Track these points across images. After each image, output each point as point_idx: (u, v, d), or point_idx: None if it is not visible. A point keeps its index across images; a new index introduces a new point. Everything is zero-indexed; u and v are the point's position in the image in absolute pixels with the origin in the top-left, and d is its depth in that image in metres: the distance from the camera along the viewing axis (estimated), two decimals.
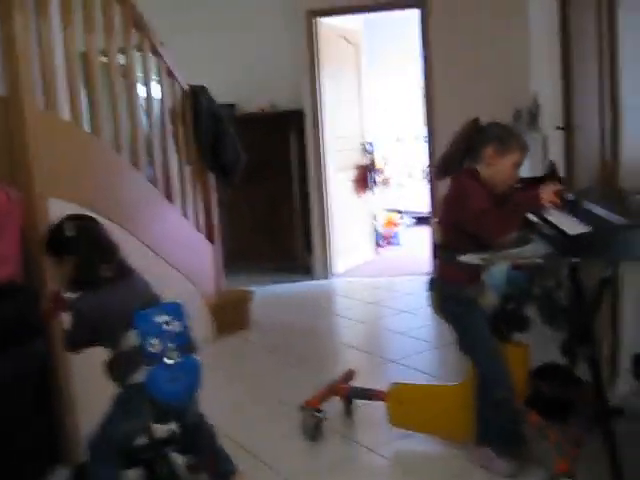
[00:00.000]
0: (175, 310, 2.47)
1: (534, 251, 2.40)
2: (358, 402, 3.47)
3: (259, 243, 7.18)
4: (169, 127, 4.82)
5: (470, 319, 2.84)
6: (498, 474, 2.77)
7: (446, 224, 2.87)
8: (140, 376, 2.38)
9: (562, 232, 2.28)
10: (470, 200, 2.67)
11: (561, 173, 4.30)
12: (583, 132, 4.13)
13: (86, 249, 2.44)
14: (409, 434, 3.18)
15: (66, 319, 2.59)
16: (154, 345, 2.36)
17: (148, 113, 4.55)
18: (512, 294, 2.84)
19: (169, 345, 2.40)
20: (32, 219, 2.97)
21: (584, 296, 2.92)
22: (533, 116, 5.64)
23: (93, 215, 3.17)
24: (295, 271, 7.12)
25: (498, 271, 2.77)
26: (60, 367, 3.05)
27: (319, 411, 3.27)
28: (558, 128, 4.55)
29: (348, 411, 3.48)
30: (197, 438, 2.71)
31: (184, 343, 2.46)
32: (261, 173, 6.70)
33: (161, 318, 2.41)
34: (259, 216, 7.16)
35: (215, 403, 3.68)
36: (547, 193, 2.52)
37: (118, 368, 2.44)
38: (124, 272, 2.51)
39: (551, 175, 3.53)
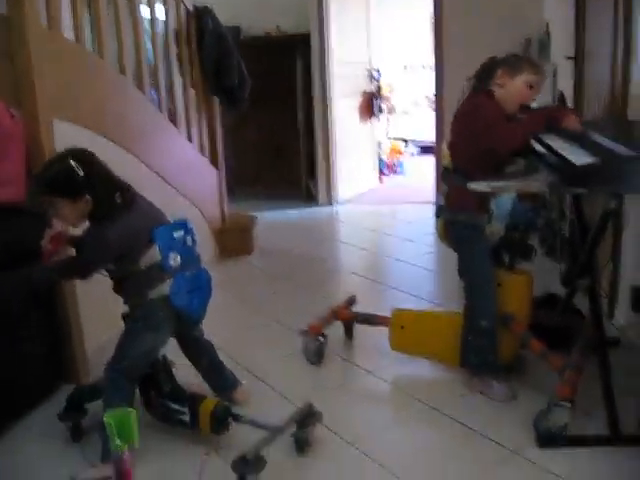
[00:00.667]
0: (186, 225, 2.57)
1: (541, 180, 2.39)
2: (358, 328, 3.52)
3: (263, 169, 7.17)
4: (173, 49, 4.75)
5: (474, 246, 2.88)
6: (496, 399, 2.84)
7: (456, 145, 2.85)
8: (161, 290, 2.46)
9: (569, 162, 2.27)
10: (484, 110, 2.71)
11: (570, 104, 4.27)
12: (593, 62, 4.07)
13: (101, 184, 2.41)
14: (409, 360, 3.24)
15: (68, 253, 2.60)
16: (174, 259, 2.46)
17: (152, 34, 4.48)
18: (517, 223, 2.85)
19: (186, 258, 2.51)
20: (37, 141, 2.97)
21: (587, 227, 2.94)
22: (543, 45, 5.55)
23: (99, 138, 3.18)
24: (299, 198, 7.13)
25: (505, 200, 2.78)
26: (66, 288, 3.09)
27: (322, 335, 3.33)
28: (568, 58, 4.48)
29: (349, 336, 3.55)
30: (197, 352, 2.87)
31: (196, 256, 2.61)
32: (266, 98, 6.63)
33: (177, 233, 2.51)
34: (263, 142, 7.13)
35: (218, 325, 3.75)
36: (571, 118, 2.49)
37: (139, 285, 2.47)
38: (132, 195, 2.51)
39: (561, 105, 3.50)
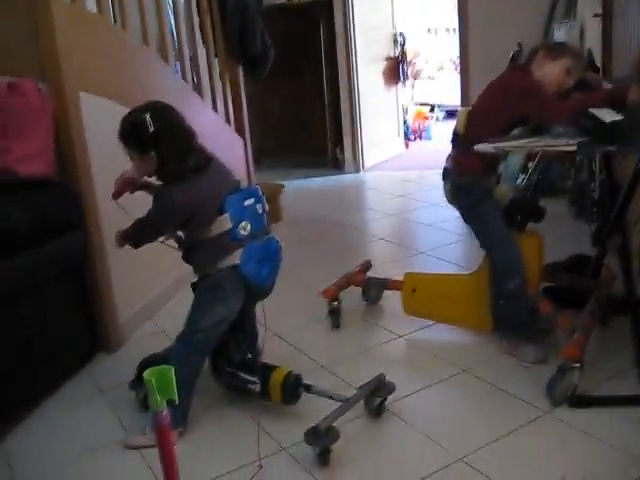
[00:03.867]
0: (256, 193, 2.51)
1: (568, 138, 2.36)
2: (385, 293, 3.54)
3: (289, 138, 7.17)
4: (196, 19, 4.73)
5: (483, 209, 2.87)
6: (525, 361, 2.84)
7: (484, 112, 2.82)
8: (231, 260, 2.42)
9: (598, 120, 2.25)
10: (534, 88, 2.68)
11: (598, 62, 4.20)
12: (622, 20, 4.00)
13: (172, 144, 2.37)
14: (430, 324, 3.26)
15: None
16: (245, 227, 2.41)
17: (174, 4, 4.47)
18: (528, 185, 2.84)
19: (256, 227, 2.45)
20: (64, 114, 3.00)
21: (617, 187, 2.91)
22: (570, 3, 5.45)
23: (126, 110, 3.19)
24: (325, 165, 7.13)
25: (514, 162, 2.77)
26: (98, 260, 3.14)
27: (336, 301, 3.37)
28: (596, 15, 4.41)
29: (368, 300, 3.58)
30: (251, 327, 2.81)
31: (266, 225, 2.54)
32: (290, 66, 6.62)
33: (248, 201, 2.45)
34: (288, 110, 7.12)
35: None
36: (634, 90, 2.44)
37: (209, 254, 2.43)
38: (207, 159, 2.47)
39: (589, 64, 3.45)
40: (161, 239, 2.56)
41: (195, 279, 2.56)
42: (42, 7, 2.88)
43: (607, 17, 4.27)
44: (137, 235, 2.53)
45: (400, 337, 3.23)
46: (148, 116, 2.34)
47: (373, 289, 3.56)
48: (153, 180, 2.53)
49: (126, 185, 2.56)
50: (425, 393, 2.75)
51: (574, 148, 2.27)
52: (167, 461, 1.47)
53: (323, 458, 2.29)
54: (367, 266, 3.68)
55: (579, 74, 2.74)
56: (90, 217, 3.09)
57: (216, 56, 4.96)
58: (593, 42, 4.49)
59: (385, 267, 3.84)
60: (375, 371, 2.78)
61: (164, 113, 2.42)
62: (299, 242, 4.86)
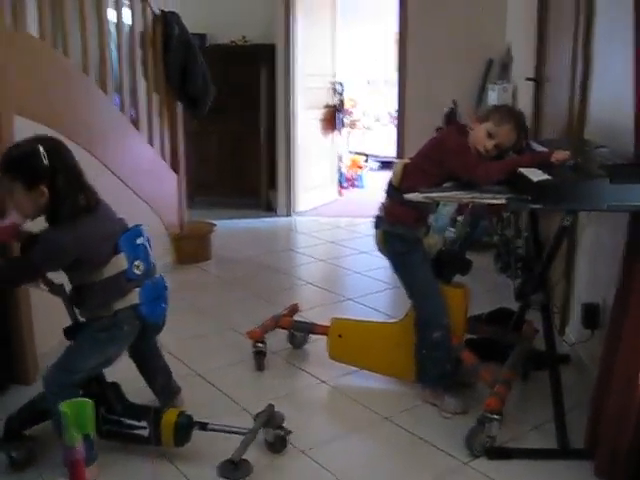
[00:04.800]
0: (144, 232, 2.49)
1: (496, 193, 2.43)
2: (313, 337, 3.53)
3: (223, 177, 7.15)
4: (138, 52, 4.72)
5: (412, 258, 2.92)
6: (446, 411, 2.86)
7: (419, 166, 2.86)
8: (129, 300, 2.38)
9: (526, 179, 2.32)
10: (462, 151, 2.74)
11: (528, 123, 4.35)
12: (553, 85, 4.16)
13: (66, 179, 2.27)
14: (354, 370, 3.25)
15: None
16: (138, 267, 2.39)
17: (118, 36, 4.45)
18: (456, 238, 2.91)
19: (147, 266, 2.44)
20: None
21: (542, 244, 3.00)
22: (505, 66, 5.67)
23: (60, 137, 3.14)
24: (258, 207, 7.14)
25: (444, 214, 2.84)
26: (21, 291, 3.04)
27: (262, 342, 3.35)
28: (528, 79, 4.59)
29: (293, 344, 3.57)
30: (154, 358, 2.80)
31: (154, 263, 2.52)
32: (230, 106, 6.64)
33: (139, 240, 2.43)
34: (225, 149, 7.12)
35: (172, 331, 3.73)
36: (560, 153, 2.51)
37: (103, 295, 2.35)
38: (96, 198, 2.40)
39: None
40: (45, 288, 2.49)
41: (71, 323, 2.51)
42: None
43: (540, 81, 4.44)
44: (11, 277, 2.41)
45: (323, 382, 3.22)
46: (42, 148, 2.24)
47: (299, 333, 3.55)
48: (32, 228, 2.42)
49: (6, 233, 2.43)
50: (345, 440, 2.74)
51: (503, 202, 2.33)
52: None
53: None
54: (294, 309, 3.68)
55: (506, 138, 2.76)
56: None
57: (156, 91, 4.94)
58: (525, 104, 4.66)
59: (312, 312, 3.84)
60: (297, 415, 2.77)
61: (58, 147, 2.33)
62: (227, 282, 4.84)
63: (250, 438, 2.44)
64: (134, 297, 2.40)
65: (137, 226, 2.48)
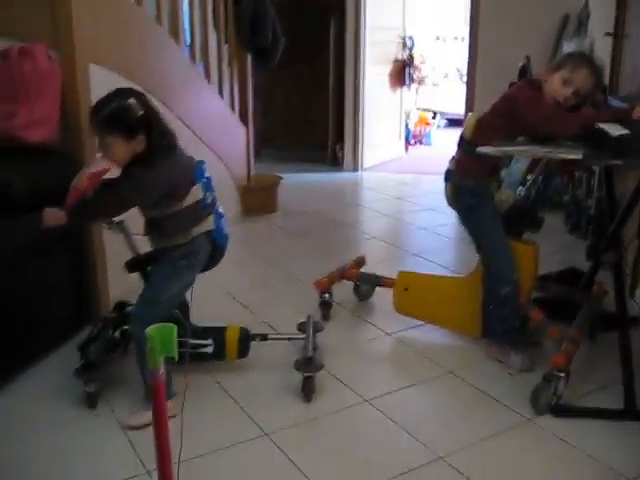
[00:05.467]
0: (205, 166, 2.61)
1: (572, 149, 2.37)
2: (379, 290, 3.54)
3: (290, 130, 7.16)
4: (209, 3, 4.73)
5: (483, 212, 2.89)
6: (512, 368, 2.85)
7: (491, 122, 2.81)
8: (205, 226, 2.52)
9: (605, 133, 2.26)
10: (538, 103, 2.67)
11: (606, 80, 4.23)
12: (633, 40, 4.03)
13: (157, 126, 2.40)
14: (420, 324, 3.26)
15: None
16: (209, 197, 2.53)
17: None
18: (526, 196, 2.85)
19: (213, 196, 2.57)
20: (73, 84, 2.99)
21: (616, 202, 2.93)
22: (581, 22, 5.49)
23: (134, 86, 3.19)
24: (324, 161, 7.14)
25: (517, 169, 2.79)
26: (95, 231, 3.13)
27: (328, 293, 3.39)
28: (607, 34, 4.44)
29: (359, 296, 3.60)
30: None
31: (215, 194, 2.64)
32: (298, 60, 6.60)
33: (207, 173, 2.57)
34: (292, 103, 7.12)
35: (238, 279, 3.80)
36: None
37: (183, 222, 2.48)
38: (176, 140, 2.52)
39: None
40: (106, 225, 2.71)
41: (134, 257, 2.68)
42: None
43: (618, 36, 4.30)
44: (98, 210, 2.51)
45: (388, 335, 3.24)
46: (134, 100, 2.36)
47: (365, 285, 3.57)
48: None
49: (94, 182, 2.45)
50: (409, 391, 2.76)
51: (580, 157, 2.27)
52: (159, 420, 1.48)
53: (308, 384, 2.62)
54: (360, 262, 3.69)
55: (582, 84, 2.69)
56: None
57: (226, 42, 4.95)
58: (602, 60, 4.51)
59: (377, 265, 3.84)
60: (361, 365, 2.80)
61: (142, 97, 2.43)
62: (293, 234, 4.88)
63: (308, 340, 2.82)
64: (209, 223, 2.54)
65: (201, 162, 2.59)
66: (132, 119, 2.34)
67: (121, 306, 2.92)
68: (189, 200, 2.46)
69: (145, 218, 2.57)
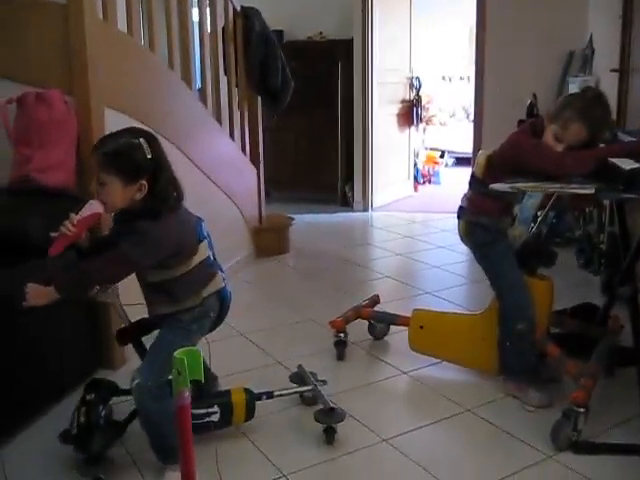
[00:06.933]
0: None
1: (584, 184, 2.38)
2: (393, 329, 3.54)
3: (300, 172, 7.22)
4: (220, 47, 4.80)
5: (497, 249, 2.89)
6: (529, 404, 2.83)
7: (501, 165, 2.80)
8: (214, 286, 2.39)
9: (617, 167, 2.27)
10: (543, 156, 2.65)
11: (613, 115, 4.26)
12: (638, 75, 4.07)
13: (164, 174, 2.21)
14: (435, 362, 3.25)
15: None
16: (211, 254, 2.41)
17: (200, 32, 4.54)
18: (538, 232, 2.86)
19: (215, 252, 2.46)
20: (88, 128, 3.04)
21: (629, 235, 2.94)
22: (586, 58, 5.55)
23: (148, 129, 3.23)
24: (334, 202, 7.18)
25: (530, 205, 2.80)
26: None
27: (343, 332, 3.38)
28: (613, 70, 4.48)
29: (374, 335, 3.59)
30: None
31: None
32: (307, 102, 6.68)
33: (206, 227, 2.42)
34: (302, 145, 7.19)
35: (252, 321, 3.79)
36: None
37: (193, 284, 2.33)
38: (182, 191, 2.33)
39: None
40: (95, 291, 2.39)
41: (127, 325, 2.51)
42: (75, 22, 2.95)
43: (624, 72, 4.34)
44: (112, 274, 2.26)
45: (404, 373, 3.22)
46: (144, 141, 2.17)
47: (380, 324, 3.57)
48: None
49: (88, 224, 2.24)
50: (426, 430, 2.74)
51: (592, 191, 2.28)
52: (184, 440, 1.49)
53: (329, 436, 2.56)
54: (375, 301, 3.69)
55: (580, 142, 2.63)
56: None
57: (237, 86, 5.01)
58: (609, 96, 4.54)
59: (391, 304, 3.84)
60: (378, 405, 2.78)
61: (155, 140, 2.25)
62: (306, 275, 4.88)
63: (319, 390, 2.73)
64: (218, 281, 2.41)
65: (200, 219, 2.42)
66: (137, 160, 2.14)
67: (96, 384, 2.54)
68: (196, 259, 2.30)
69: (144, 283, 2.38)
